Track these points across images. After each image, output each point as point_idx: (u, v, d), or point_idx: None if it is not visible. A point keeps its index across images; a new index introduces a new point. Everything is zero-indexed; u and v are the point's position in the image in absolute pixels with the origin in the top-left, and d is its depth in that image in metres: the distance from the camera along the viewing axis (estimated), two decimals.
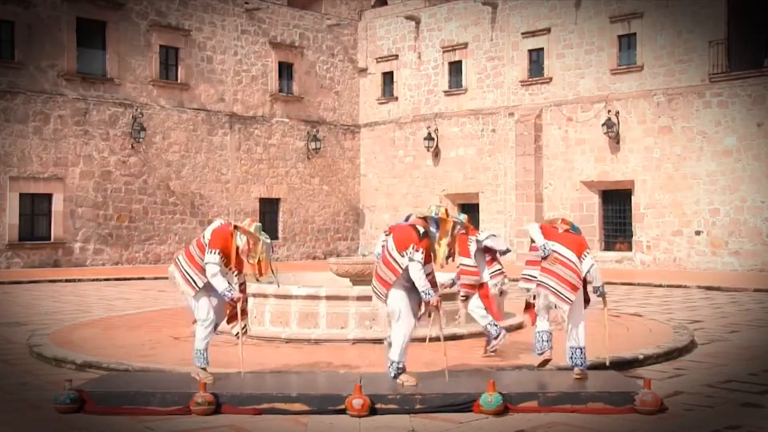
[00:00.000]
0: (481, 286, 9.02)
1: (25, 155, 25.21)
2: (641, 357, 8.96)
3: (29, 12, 25.21)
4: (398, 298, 7.22)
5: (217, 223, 7.67)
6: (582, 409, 6.67)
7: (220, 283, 7.31)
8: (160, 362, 8.55)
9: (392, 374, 7.20)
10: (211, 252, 7.35)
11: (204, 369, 7.44)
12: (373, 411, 6.58)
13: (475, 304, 9.04)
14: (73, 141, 26.08)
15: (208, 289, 7.51)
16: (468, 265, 8.97)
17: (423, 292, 7.10)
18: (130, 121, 27.07)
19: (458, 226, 7.89)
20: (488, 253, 9.13)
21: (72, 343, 9.83)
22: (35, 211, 25.70)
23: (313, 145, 31.89)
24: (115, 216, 26.98)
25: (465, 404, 6.70)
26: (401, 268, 7.15)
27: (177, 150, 28.43)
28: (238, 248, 7.44)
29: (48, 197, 25.76)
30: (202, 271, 7.41)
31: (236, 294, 7.40)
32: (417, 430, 6.25)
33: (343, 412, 6.59)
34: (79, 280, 21.65)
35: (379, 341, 9.16)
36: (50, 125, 25.66)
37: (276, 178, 31.15)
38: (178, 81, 28.56)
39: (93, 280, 21.90)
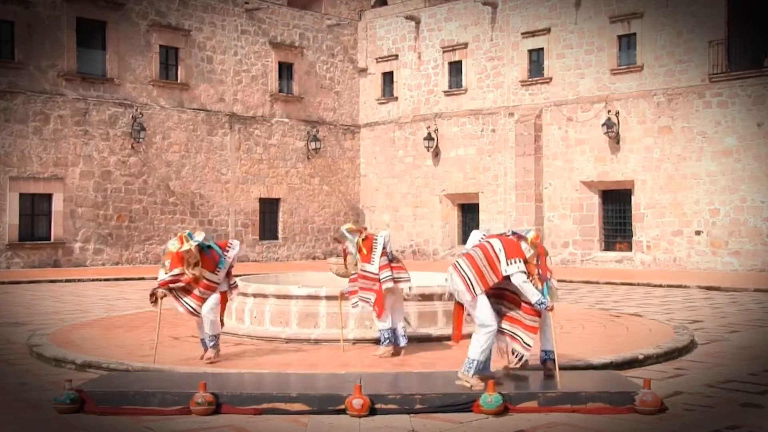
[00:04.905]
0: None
1: (25, 155, 25.21)
2: (641, 357, 8.95)
3: (29, 12, 25.21)
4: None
5: (508, 233, 7.46)
6: (582, 409, 6.67)
7: (532, 293, 7.10)
8: (160, 362, 8.54)
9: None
10: (512, 261, 7.11)
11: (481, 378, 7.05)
12: (373, 411, 6.58)
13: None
14: (73, 141, 26.08)
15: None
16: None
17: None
18: (130, 121, 27.07)
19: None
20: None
21: (72, 343, 9.82)
22: (35, 211, 25.70)
23: (313, 145, 31.89)
24: (115, 216, 26.98)
25: (465, 404, 6.70)
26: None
27: (177, 150, 28.43)
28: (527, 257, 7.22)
29: (48, 197, 25.76)
30: (483, 279, 7.14)
31: (550, 303, 7.17)
32: (417, 430, 6.24)
33: (343, 412, 6.59)
34: (79, 280, 21.63)
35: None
36: (50, 125, 25.66)
37: (276, 178, 31.14)
38: (178, 81, 28.56)
39: (93, 280, 21.89)
